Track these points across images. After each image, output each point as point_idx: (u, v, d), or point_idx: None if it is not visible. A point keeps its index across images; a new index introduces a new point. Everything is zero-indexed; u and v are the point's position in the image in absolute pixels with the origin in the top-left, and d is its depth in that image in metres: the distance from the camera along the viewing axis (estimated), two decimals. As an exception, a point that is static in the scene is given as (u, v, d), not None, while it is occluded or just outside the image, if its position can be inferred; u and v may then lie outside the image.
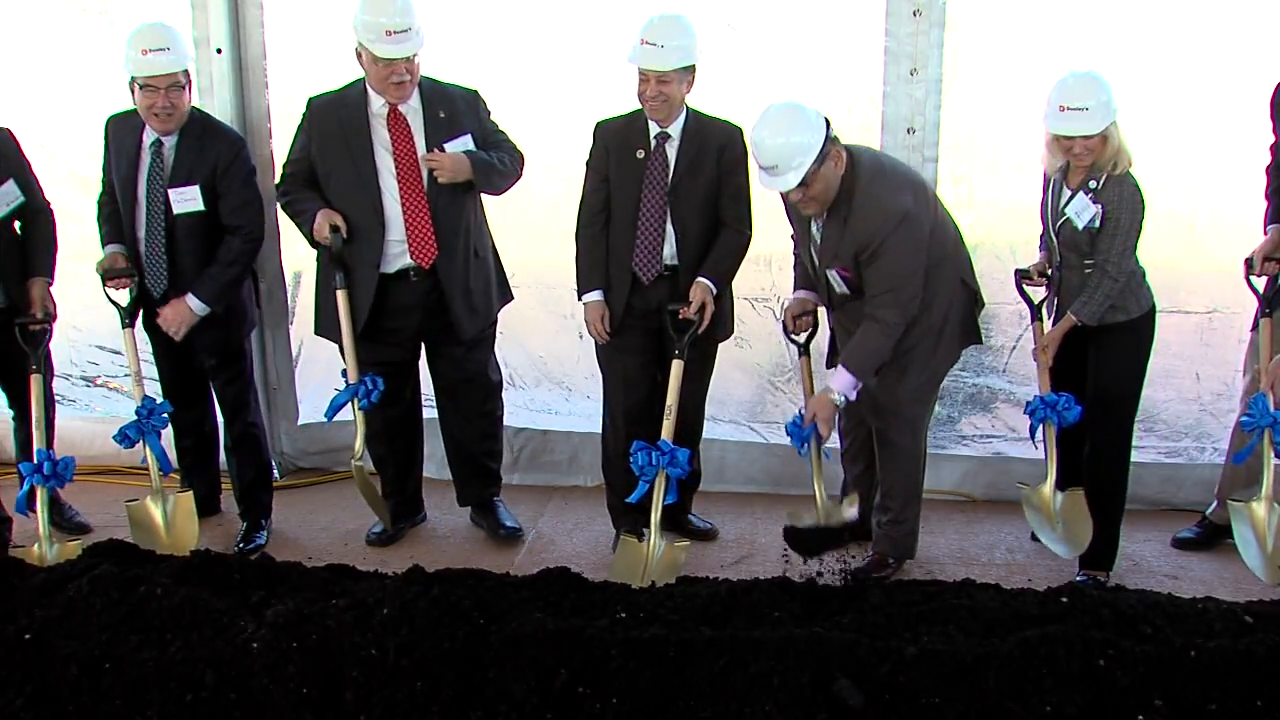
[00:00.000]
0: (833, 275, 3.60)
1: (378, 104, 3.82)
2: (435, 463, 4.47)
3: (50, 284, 4.00)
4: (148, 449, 3.93)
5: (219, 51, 4.39)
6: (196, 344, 4.05)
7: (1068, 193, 3.60)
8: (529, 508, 4.51)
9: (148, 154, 3.91)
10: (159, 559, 3.42)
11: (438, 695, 2.70)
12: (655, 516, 3.68)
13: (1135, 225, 3.52)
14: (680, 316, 3.77)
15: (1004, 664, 2.66)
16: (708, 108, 3.84)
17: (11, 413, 4.16)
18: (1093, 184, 3.53)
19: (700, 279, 3.78)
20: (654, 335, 3.88)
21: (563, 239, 3.95)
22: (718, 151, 3.77)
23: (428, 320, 3.98)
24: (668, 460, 3.65)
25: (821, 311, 3.86)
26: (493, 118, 3.99)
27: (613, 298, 3.87)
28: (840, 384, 3.55)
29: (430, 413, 4.32)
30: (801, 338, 3.84)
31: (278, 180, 3.98)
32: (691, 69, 3.70)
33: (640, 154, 3.78)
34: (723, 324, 3.95)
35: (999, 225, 4.24)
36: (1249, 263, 3.74)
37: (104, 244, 4.03)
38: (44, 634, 2.88)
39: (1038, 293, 3.80)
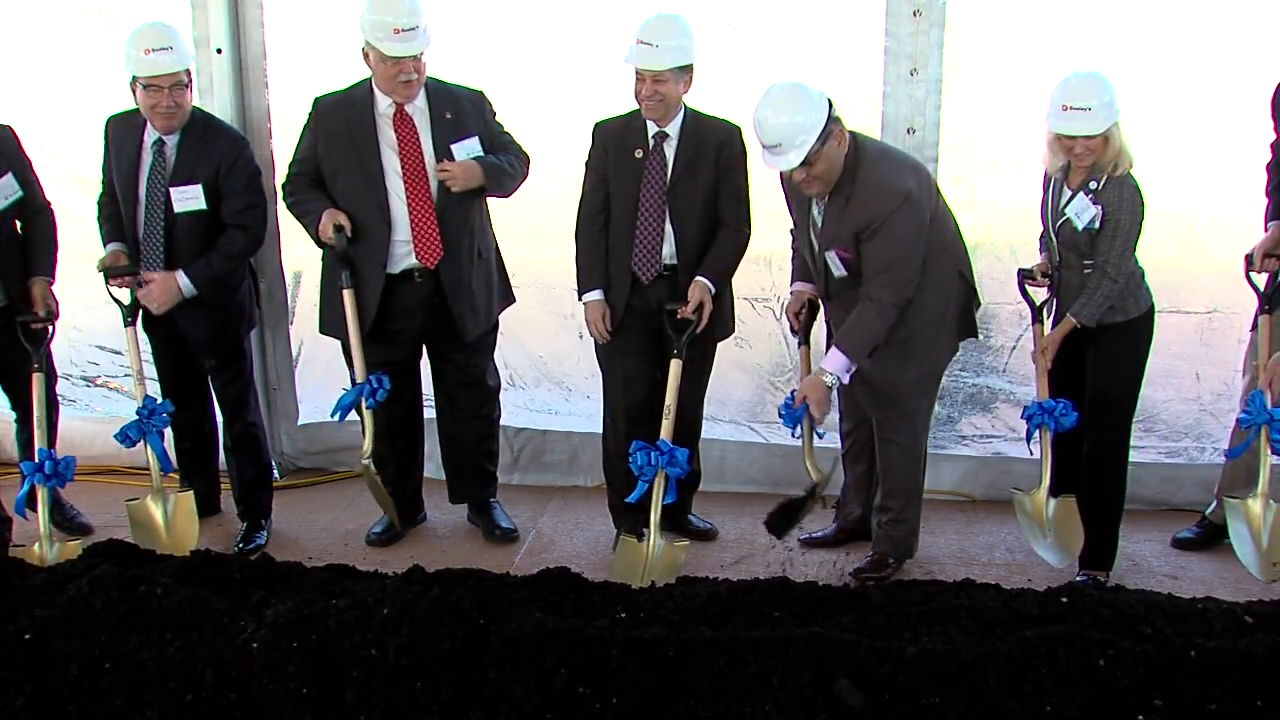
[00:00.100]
0: (831, 258, 3.59)
1: (384, 104, 3.82)
2: (435, 463, 4.47)
3: (51, 283, 4.00)
4: (149, 448, 3.93)
5: (219, 51, 4.40)
6: (196, 343, 4.06)
7: (1068, 193, 3.60)
8: (529, 508, 4.51)
9: (149, 153, 3.91)
10: (159, 559, 3.42)
11: (438, 695, 2.70)
12: (655, 516, 3.69)
13: (1135, 227, 3.52)
14: (678, 316, 3.77)
15: (1004, 664, 2.66)
16: (708, 107, 3.84)
17: (14, 414, 4.15)
18: (1093, 185, 3.53)
19: (698, 278, 3.78)
20: (654, 335, 3.88)
21: (563, 239, 3.95)
22: (716, 150, 3.77)
23: (430, 321, 3.98)
24: (667, 460, 3.66)
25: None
26: (498, 118, 3.99)
27: (613, 297, 3.87)
28: (833, 365, 3.54)
29: (430, 413, 4.32)
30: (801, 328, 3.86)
31: (284, 180, 3.99)
32: (688, 69, 3.70)
33: (639, 154, 3.78)
34: (722, 323, 3.95)
35: (999, 225, 4.24)
36: (1249, 259, 3.73)
37: (105, 243, 4.03)
38: (44, 634, 2.88)
39: (1039, 294, 3.79)
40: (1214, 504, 4.07)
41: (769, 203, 3.94)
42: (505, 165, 3.89)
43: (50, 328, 3.95)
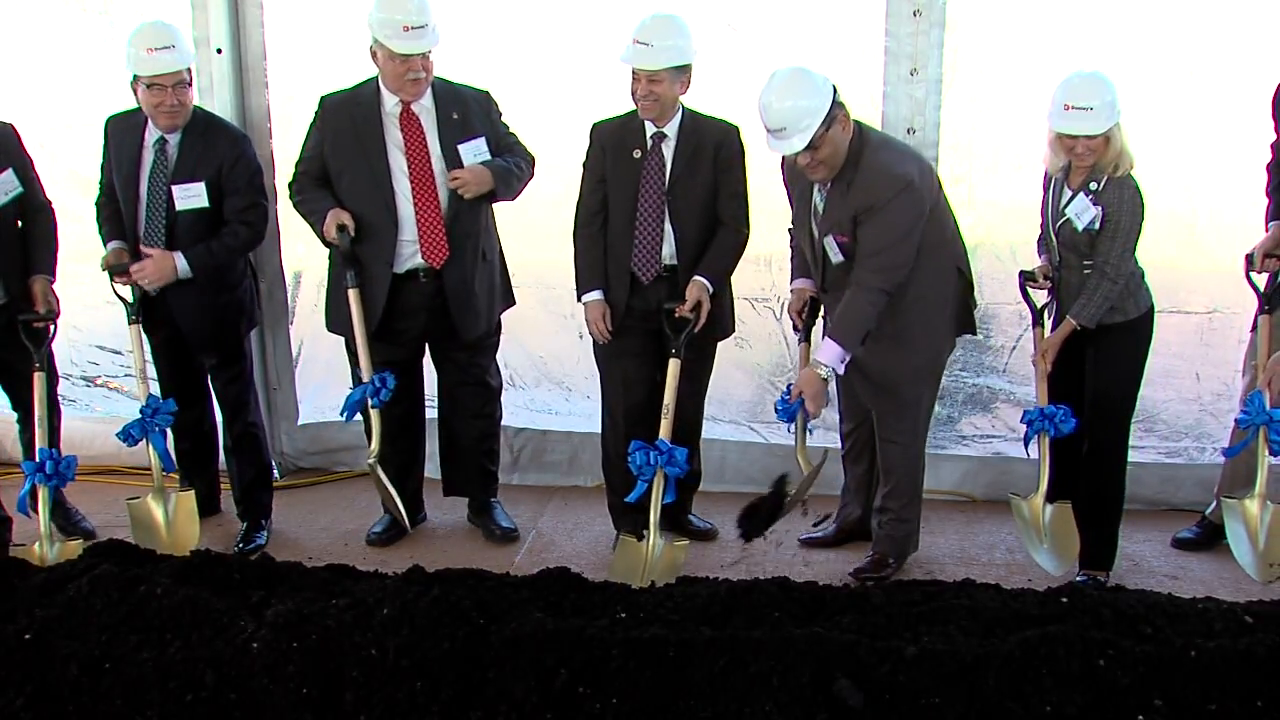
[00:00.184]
0: (829, 243, 3.59)
1: (391, 103, 3.83)
2: (435, 463, 4.47)
3: (52, 281, 4.00)
4: (151, 447, 3.93)
5: (219, 51, 4.40)
6: (197, 341, 4.06)
7: (1068, 193, 3.60)
8: (529, 508, 4.51)
9: (150, 151, 3.92)
10: (159, 559, 3.42)
11: (438, 695, 2.70)
12: (654, 516, 3.69)
13: (1135, 228, 3.52)
14: (676, 315, 3.77)
15: (1004, 664, 2.66)
16: (708, 107, 3.84)
17: (16, 415, 4.15)
18: (1093, 185, 3.53)
19: (697, 277, 3.78)
20: (653, 336, 3.88)
21: (563, 239, 3.95)
22: (714, 150, 3.77)
23: (434, 321, 3.98)
24: (666, 460, 3.66)
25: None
26: (504, 119, 4.00)
27: (611, 298, 3.87)
28: (827, 355, 3.53)
29: (430, 413, 4.32)
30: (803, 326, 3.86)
31: (289, 179, 3.99)
32: (685, 69, 3.69)
33: (637, 154, 3.78)
34: (721, 323, 3.95)
35: (999, 225, 4.24)
36: (1249, 259, 3.73)
37: (105, 243, 4.03)
38: (44, 634, 2.88)
39: (1040, 296, 3.79)
40: (1214, 504, 4.07)
41: (769, 203, 3.94)
42: (513, 168, 3.90)
43: (52, 326, 3.95)
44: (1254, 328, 3.81)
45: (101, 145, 4.04)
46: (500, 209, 4.09)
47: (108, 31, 4.46)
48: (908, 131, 4.11)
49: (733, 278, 3.96)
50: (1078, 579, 3.70)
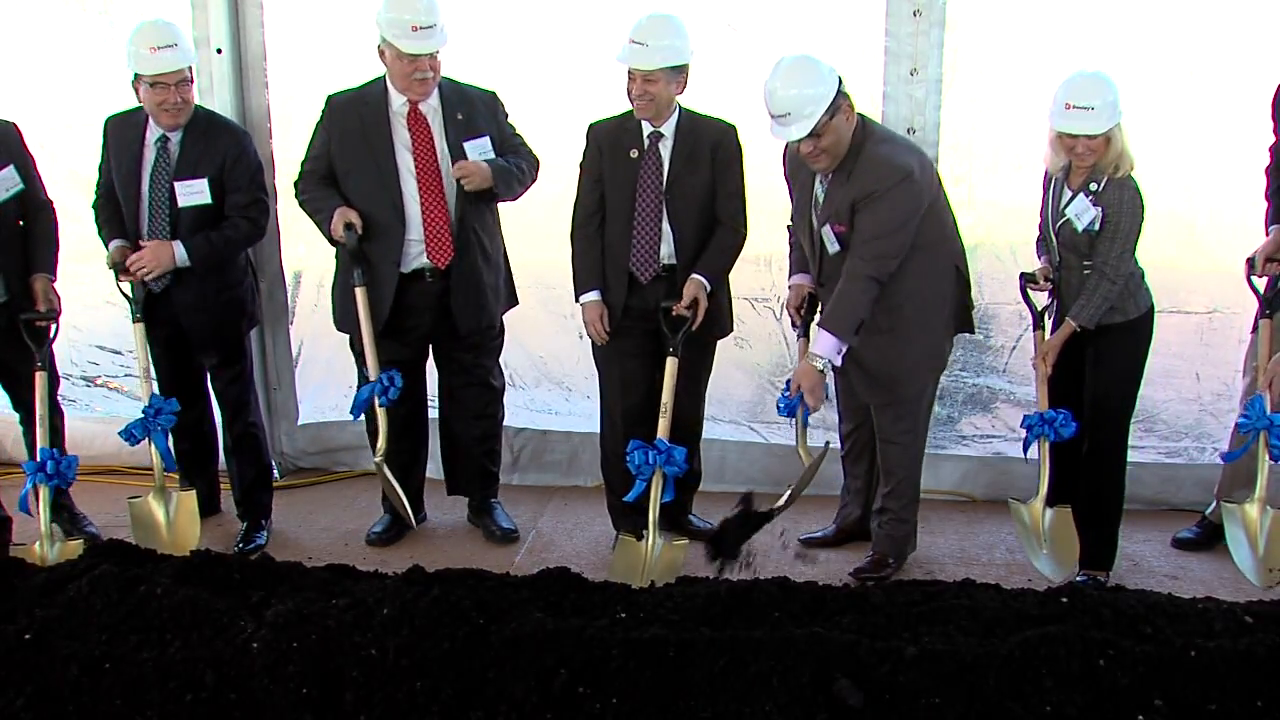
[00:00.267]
0: (827, 233, 3.59)
1: (398, 102, 3.83)
2: (436, 463, 4.47)
3: (53, 280, 4.00)
4: (153, 446, 3.93)
5: (219, 51, 4.40)
6: (198, 340, 4.06)
7: (1068, 194, 3.60)
8: (529, 508, 4.51)
9: (152, 149, 3.92)
10: (159, 559, 3.41)
11: (438, 695, 2.70)
12: (653, 515, 3.69)
13: (1135, 229, 3.52)
14: (674, 313, 3.77)
15: (1004, 664, 2.65)
16: (708, 107, 3.84)
17: (18, 415, 4.15)
18: (1094, 186, 3.53)
19: (694, 275, 3.78)
20: (652, 337, 3.88)
21: (563, 239, 3.95)
22: (712, 150, 3.78)
23: (439, 321, 3.99)
24: (664, 459, 3.65)
25: None
26: (510, 120, 4.00)
27: (610, 298, 3.87)
28: (822, 347, 3.53)
29: (432, 413, 4.32)
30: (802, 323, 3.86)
31: (295, 178, 3.99)
32: (681, 69, 3.69)
33: (634, 154, 3.78)
34: (720, 321, 3.95)
35: (999, 225, 4.25)
36: (1250, 262, 3.73)
37: (106, 242, 4.03)
38: (44, 634, 2.88)
39: (1040, 298, 3.78)
40: (1214, 504, 4.07)
41: (768, 203, 3.95)
42: (513, 169, 3.90)
43: (53, 325, 3.95)
44: (1254, 328, 3.81)
45: (100, 145, 4.04)
46: (501, 209, 4.09)
47: (108, 31, 4.46)
48: (908, 131, 4.11)
49: (733, 278, 3.96)
50: (1078, 579, 3.70)
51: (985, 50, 4.11)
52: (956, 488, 4.53)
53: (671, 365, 3.75)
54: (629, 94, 3.71)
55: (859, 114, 3.49)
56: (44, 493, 3.78)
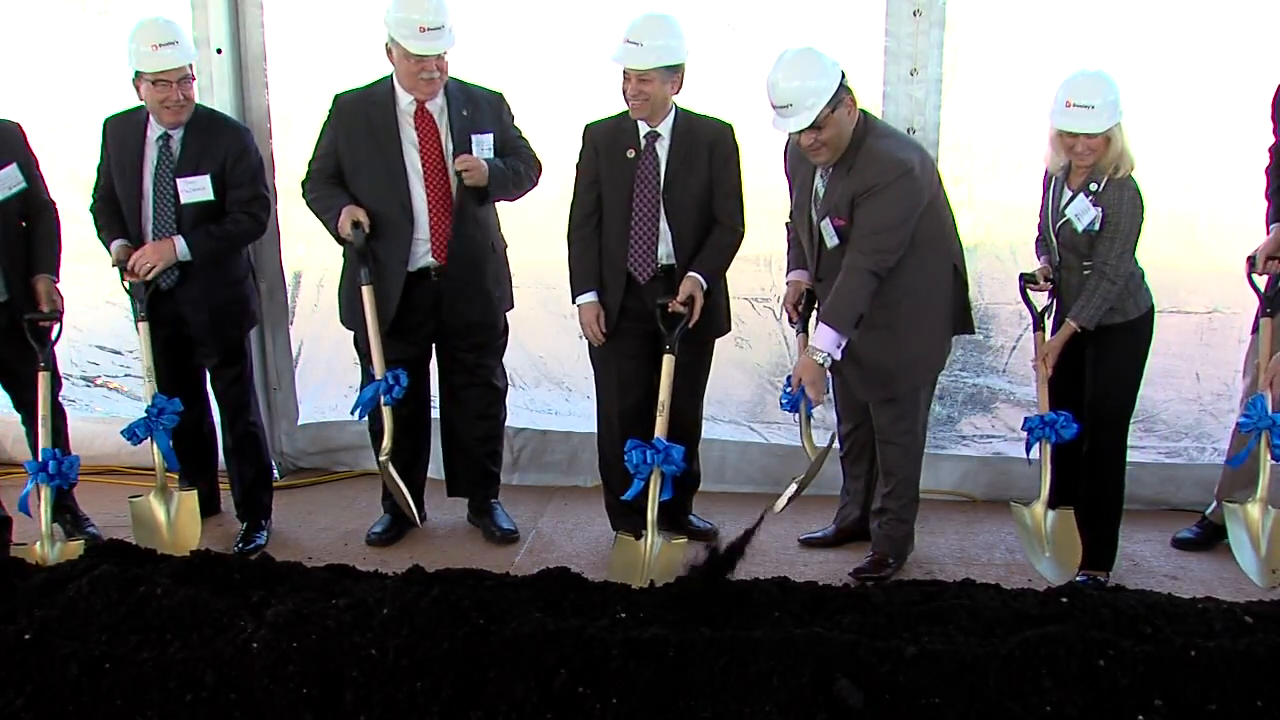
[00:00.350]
0: (826, 226, 3.59)
1: (405, 101, 3.84)
2: (436, 463, 4.47)
3: (56, 281, 4.00)
4: (155, 446, 3.93)
5: (219, 51, 4.40)
6: (200, 337, 4.06)
7: (1068, 194, 3.60)
8: (529, 508, 4.51)
9: (154, 147, 3.93)
10: (159, 559, 3.42)
11: (438, 695, 2.70)
12: (651, 514, 3.69)
13: (1134, 229, 3.52)
14: (669, 309, 3.77)
15: (1004, 664, 2.66)
16: (709, 108, 3.84)
17: (20, 415, 4.15)
18: (1094, 186, 3.53)
19: (691, 273, 3.78)
20: (650, 338, 3.87)
21: (563, 239, 3.95)
22: (709, 149, 3.77)
23: (443, 320, 3.99)
24: (662, 458, 3.65)
25: None
26: (516, 122, 4.01)
27: (607, 299, 3.86)
28: (822, 341, 3.53)
29: (434, 413, 4.32)
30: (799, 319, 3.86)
31: (303, 177, 3.99)
32: (676, 69, 3.69)
33: (630, 154, 3.78)
34: (717, 321, 3.95)
35: (999, 225, 4.24)
36: (1251, 261, 3.73)
37: (106, 242, 4.02)
38: (44, 634, 2.88)
39: (1040, 299, 3.78)
40: (1214, 504, 4.07)
41: (768, 203, 3.94)
42: (509, 172, 3.91)
43: (56, 325, 3.95)
44: (1254, 329, 3.81)
45: (100, 147, 4.03)
46: (501, 209, 4.09)
47: (108, 31, 4.46)
48: (908, 131, 4.11)
49: (733, 278, 3.96)
50: (1078, 579, 3.70)
51: (985, 50, 4.11)
52: (956, 488, 4.53)
53: (668, 363, 3.75)
54: (624, 94, 3.71)
55: (861, 109, 3.50)
56: (45, 493, 3.79)
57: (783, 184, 3.82)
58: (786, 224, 3.89)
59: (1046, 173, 3.70)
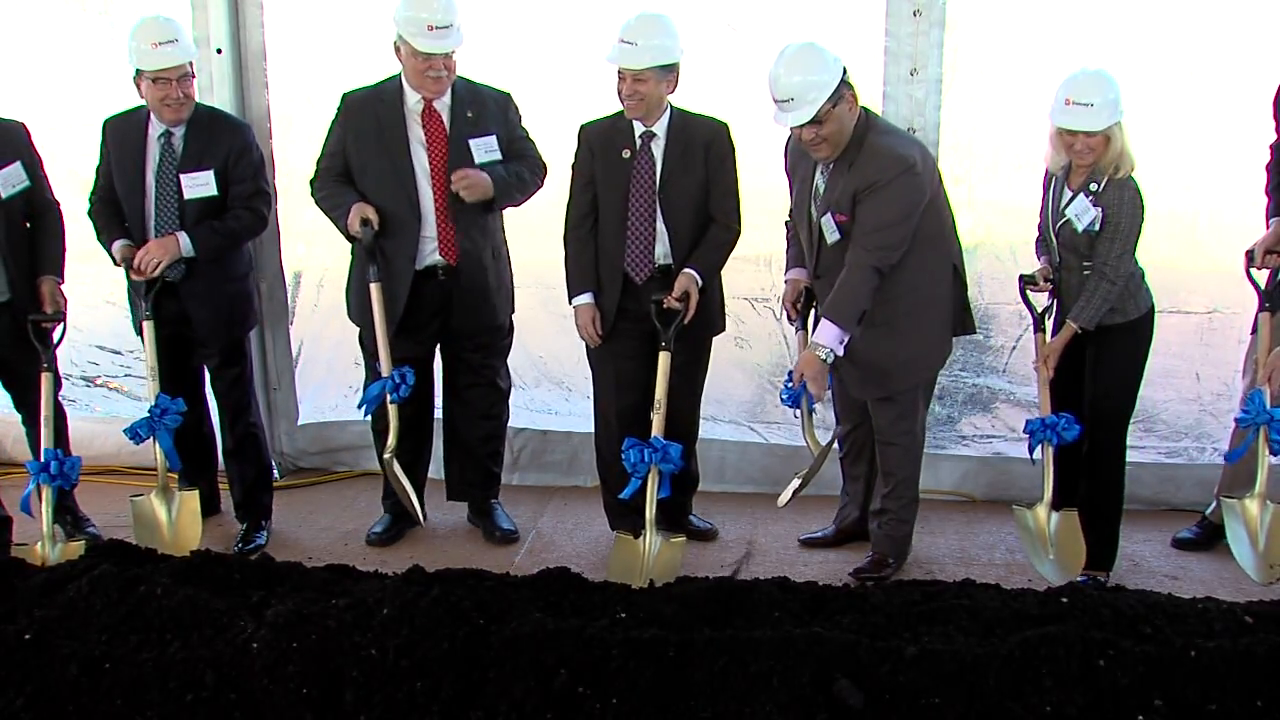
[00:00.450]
0: (827, 222, 3.59)
1: (413, 99, 3.84)
2: (437, 463, 4.47)
3: (60, 282, 4.00)
4: (157, 446, 3.93)
5: (219, 51, 4.40)
6: (202, 334, 4.06)
7: (1068, 194, 3.60)
8: (529, 508, 4.51)
9: (156, 145, 3.94)
10: (159, 559, 3.42)
11: (438, 695, 2.70)
12: (649, 513, 3.69)
13: (1134, 230, 3.52)
14: (665, 305, 3.76)
15: (1004, 664, 2.66)
16: (709, 108, 3.84)
17: (20, 415, 4.14)
18: (1094, 186, 3.53)
19: (686, 270, 3.78)
20: (648, 339, 3.86)
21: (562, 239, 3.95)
22: (705, 148, 3.77)
23: (450, 319, 4.00)
24: (659, 456, 3.65)
25: None
26: (523, 123, 4.01)
27: (604, 300, 3.86)
28: (825, 337, 3.53)
29: (436, 412, 4.32)
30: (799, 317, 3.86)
31: (311, 175, 3.99)
32: (671, 68, 3.68)
33: (626, 154, 3.78)
34: (712, 320, 3.95)
35: (999, 225, 4.25)
36: (1249, 255, 3.72)
37: (107, 242, 4.02)
38: (44, 634, 2.88)
39: (1040, 299, 3.78)
40: (1214, 504, 4.06)
41: (767, 203, 3.95)
42: (513, 180, 3.91)
43: (61, 325, 3.95)
44: (1254, 329, 3.80)
45: (99, 147, 4.03)
46: (501, 209, 4.10)
47: (108, 31, 4.46)
48: (908, 131, 4.11)
49: (733, 277, 3.97)
50: (1078, 579, 3.69)
51: (985, 50, 4.11)
52: (956, 488, 4.53)
53: (664, 359, 3.74)
54: (619, 94, 3.71)
55: (862, 106, 3.50)
56: (47, 493, 3.79)
57: (781, 184, 3.83)
58: (786, 223, 3.89)
59: (1047, 173, 3.70)
